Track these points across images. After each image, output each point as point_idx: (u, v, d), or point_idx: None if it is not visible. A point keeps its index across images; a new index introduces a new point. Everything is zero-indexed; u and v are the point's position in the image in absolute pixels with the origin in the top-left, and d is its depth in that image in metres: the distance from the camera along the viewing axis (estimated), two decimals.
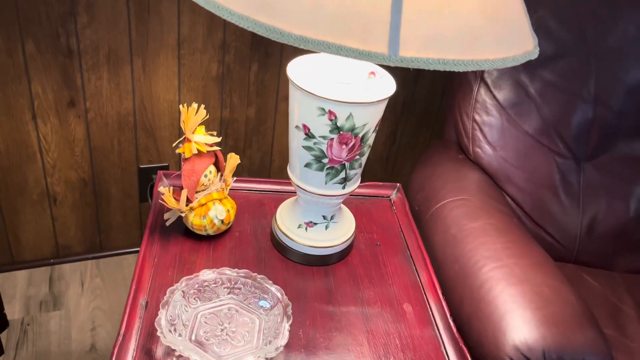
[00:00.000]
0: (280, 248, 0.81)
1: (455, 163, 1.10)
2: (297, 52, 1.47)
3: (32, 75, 1.20)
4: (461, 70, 0.49)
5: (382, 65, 0.56)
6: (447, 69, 0.49)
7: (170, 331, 0.63)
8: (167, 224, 0.80)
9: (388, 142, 1.64)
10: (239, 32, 1.31)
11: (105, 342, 1.31)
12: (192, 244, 0.79)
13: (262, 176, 1.59)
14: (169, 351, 0.64)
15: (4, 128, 1.23)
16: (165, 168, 1.44)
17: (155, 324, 0.63)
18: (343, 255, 0.81)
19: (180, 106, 0.76)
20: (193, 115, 0.75)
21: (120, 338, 0.63)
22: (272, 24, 0.48)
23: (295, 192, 0.90)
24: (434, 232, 0.96)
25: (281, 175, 1.59)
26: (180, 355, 0.64)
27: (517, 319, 0.78)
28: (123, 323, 0.64)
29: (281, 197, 0.91)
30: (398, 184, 0.97)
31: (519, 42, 0.54)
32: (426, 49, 0.48)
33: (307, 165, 0.71)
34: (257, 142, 1.51)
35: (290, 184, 0.94)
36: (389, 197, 0.96)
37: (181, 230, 0.81)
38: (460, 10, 0.50)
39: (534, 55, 0.56)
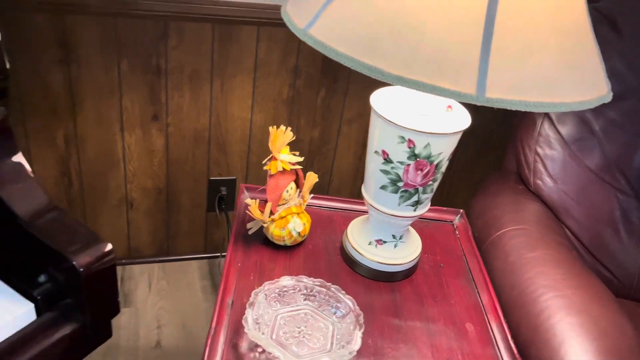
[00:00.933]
0: (350, 262, 0.87)
1: (514, 193, 1.14)
2: (364, 81, 1.54)
3: (124, 91, 1.32)
4: (540, 112, 0.55)
5: (462, 102, 0.62)
6: (528, 110, 0.55)
7: (254, 329, 0.70)
8: (250, 232, 0.88)
9: None
10: (310, 59, 1.40)
11: (169, 340, 1.40)
12: (271, 252, 0.87)
13: (321, 195, 1.66)
14: (252, 347, 0.71)
15: (95, 138, 1.36)
16: (233, 181, 1.54)
17: (242, 321, 0.70)
18: (408, 273, 0.87)
19: (270, 127, 0.84)
20: (281, 136, 0.83)
21: (212, 331, 0.71)
22: (374, 65, 0.56)
23: (364, 212, 0.97)
24: (493, 259, 1.00)
25: (338, 195, 1.67)
26: (262, 351, 0.71)
27: (575, 347, 0.81)
28: (214, 319, 0.72)
29: (350, 215, 0.98)
30: (461, 210, 1.02)
31: (594, 87, 0.60)
32: (510, 92, 0.54)
33: (383, 187, 0.78)
34: (319, 162, 1.60)
35: (358, 203, 1.01)
36: (451, 221, 1.01)
37: (260, 239, 0.89)
38: (541, 58, 0.55)
39: (608, 99, 0.61)
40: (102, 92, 1.31)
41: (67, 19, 1.19)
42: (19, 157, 0.62)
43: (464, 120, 0.75)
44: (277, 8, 1.29)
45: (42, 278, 0.63)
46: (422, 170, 0.74)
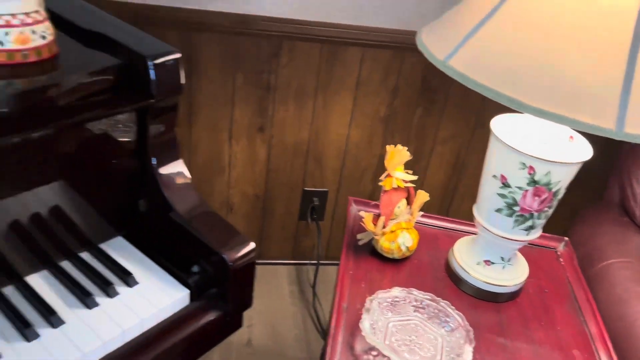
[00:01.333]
0: (456, 279, 0.90)
1: (619, 225, 1.12)
2: (461, 103, 1.56)
3: (235, 103, 1.43)
4: None
5: (581, 132, 0.64)
6: None
7: (371, 333, 0.75)
8: (360, 243, 0.94)
9: None
10: (410, 80, 1.45)
11: (259, 338, 1.48)
12: (379, 264, 0.92)
13: None
14: (366, 350, 0.77)
15: (206, 145, 1.48)
16: (325, 193, 1.62)
17: (359, 324, 0.75)
18: (513, 295, 0.89)
19: (387, 146, 0.89)
20: (398, 155, 0.88)
21: (332, 332, 0.76)
22: (513, 96, 0.60)
23: (468, 232, 1.00)
24: (598, 289, 0.99)
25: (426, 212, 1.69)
26: (377, 355, 0.76)
27: None
28: (332, 322, 0.78)
29: (453, 234, 1.01)
30: (566, 238, 1.02)
31: None
32: None
33: (498, 210, 0.81)
34: None
35: (462, 223, 1.04)
36: (555, 248, 1.02)
37: (369, 250, 0.94)
38: None
39: None
40: (217, 103, 1.43)
41: (194, 36, 1.32)
42: (180, 163, 0.72)
43: (586, 150, 0.77)
44: (383, 31, 1.36)
45: (195, 268, 0.71)
46: (539, 196, 0.77)
